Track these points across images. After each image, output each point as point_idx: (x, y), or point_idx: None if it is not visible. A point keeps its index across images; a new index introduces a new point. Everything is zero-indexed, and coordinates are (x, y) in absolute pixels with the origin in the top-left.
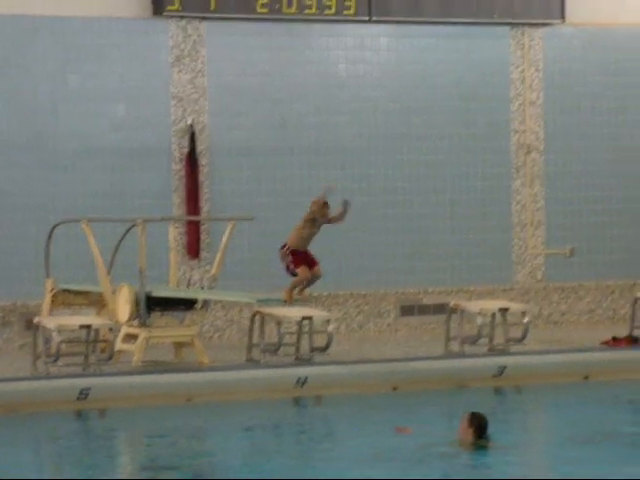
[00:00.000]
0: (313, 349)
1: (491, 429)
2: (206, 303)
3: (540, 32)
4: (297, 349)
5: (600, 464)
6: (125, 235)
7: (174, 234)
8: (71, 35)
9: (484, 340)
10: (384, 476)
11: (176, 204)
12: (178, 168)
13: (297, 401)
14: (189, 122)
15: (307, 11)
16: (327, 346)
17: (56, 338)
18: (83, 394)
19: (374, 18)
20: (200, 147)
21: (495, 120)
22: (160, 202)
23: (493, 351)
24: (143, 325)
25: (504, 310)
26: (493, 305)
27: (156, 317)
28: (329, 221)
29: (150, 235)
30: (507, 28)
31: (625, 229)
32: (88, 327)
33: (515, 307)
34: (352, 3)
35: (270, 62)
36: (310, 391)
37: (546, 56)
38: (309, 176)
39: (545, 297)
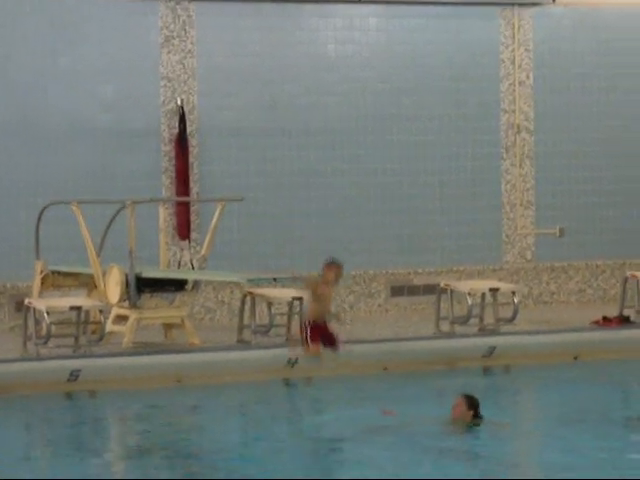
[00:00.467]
0: None
1: (482, 409)
2: (196, 284)
3: (530, 12)
4: (288, 330)
5: (588, 443)
6: (115, 217)
7: (164, 215)
8: (61, 16)
9: (474, 320)
10: (374, 454)
11: (166, 185)
12: (168, 149)
13: (288, 382)
14: (179, 103)
15: None
16: None
17: (46, 320)
18: (73, 375)
19: None
20: (190, 128)
21: (485, 100)
22: (149, 183)
23: (483, 331)
24: (133, 306)
25: (494, 290)
26: (483, 285)
27: (146, 298)
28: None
29: (140, 216)
30: (497, 8)
31: (615, 209)
32: (78, 309)
33: (505, 287)
34: None
35: (260, 43)
36: (301, 372)
37: (536, 36)
38: (299, 157)
39: (535, 277)
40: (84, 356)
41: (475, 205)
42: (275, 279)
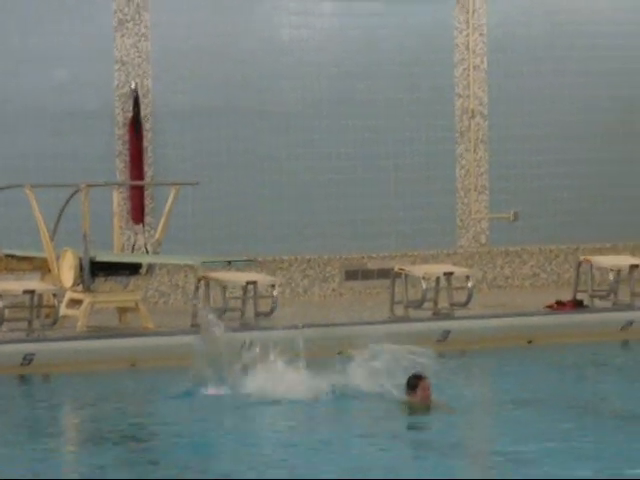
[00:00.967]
0: (258, 314)
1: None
2: (151, 268)
3: None
4: (242, 314)
5: (543, 427)
6: (69, 200)
7: (118, 199)
8: None
9: (428, 304)
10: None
11: (120, 169)
12: (121, 132)
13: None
14: (133, 86)
15: None
16: (272, 311)
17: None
18: (27, 359)
19: None
20: (144, 111)
21: (439, 85)
22: (103, 167)
23: (437, 315)
24: (87, 290)
25: (448, 274)
26: (437, 269)
27: (100, 282)
28: None
29: (94, 200)
30: None
31: (569, 193)
32: (32, 292)
33: (459, 271)
34: None
35: (214, 27)
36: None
37: (490, 20)
38: (253, 141)
39: (489, 261)
40: (38, 340)
41: (429, 189)
42: (229, 262)
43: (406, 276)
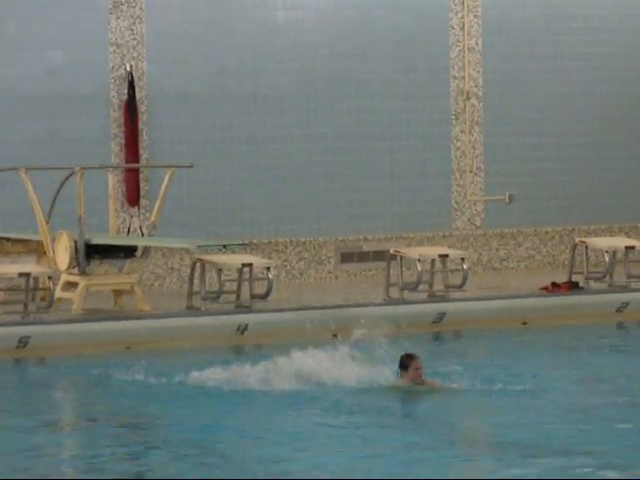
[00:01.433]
0: (253, 296)
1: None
2: (146, 251)
3: None
4: (238, 296)
5: (537, 408)
6: (64, 183)
7: (113, 182)
8: None
9: (424, 286)
10: (325, 422)
11: (115, 152)
12: (117, 115)
13: (237, 348)
14: (128, 69)
15: None
16: (267, 293)
17: None
18: (22, 342)
19: None
20: (139, 94)
21: (434, 66)
22: (98, 150)
23: (433, 297)
24: (83, 273)
25: (443, 256)
26: (432, 251)
27: (96, 265)
28: None
29: (89, 183)
30: None
31: (564, 175)
32: (27, 275)
33: (454, 253)
34: None
35: (208, 9)
36: (250, 339)
37: (485, 2)
38: (248, 122)
39: (484, 243)
40: (33, 323)
41: (425, 171)
42: (225, 245)
43: (401, 258)
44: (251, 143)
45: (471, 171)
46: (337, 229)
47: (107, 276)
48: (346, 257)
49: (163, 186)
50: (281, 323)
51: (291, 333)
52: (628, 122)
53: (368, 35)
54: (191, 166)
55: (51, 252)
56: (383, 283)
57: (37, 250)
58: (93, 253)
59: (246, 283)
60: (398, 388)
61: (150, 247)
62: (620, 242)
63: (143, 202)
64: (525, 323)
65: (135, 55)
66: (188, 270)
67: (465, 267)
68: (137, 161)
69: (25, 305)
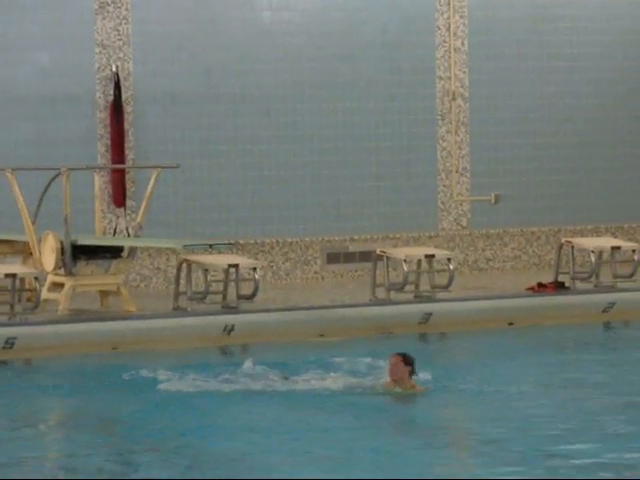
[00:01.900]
0: (240, 297)
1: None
2: (132, 251)
3: None
4: (224, 297)
5: (523, 408)
6: (50, 184)
7: (99, 182)
8: None
9: (410, 287)
10: (310, 421)
11: (101, 152)
12: (103, 116)
13: (224, 349)
14: (114, 69)
15: None
16: (254, 294)
17: None
18: (9, 343)
19: None
20: (125, 95)
21: (420, 67)
22: (85, 150)
23: (419, 298)
24: (69, 274)
25: (430, 257)
26: (419, 252)
27: (82, 266)
28: None
29: (75, 184)
30: None
31: (550, 175)
32: (13, 276)
33: (440, 254)
34: None
35: (194, 9)
36: (237, 339)
37: (471, 2)
38: (234, 123)
39: (470, 244)
40: (20, 324)
41: (411, 172)
42: (211, 245)
43: (388, 259)
44: (237, 143)
45: (457, 171)
46: (323, 229)
47: (93, 277)
48: (332, 257)
49: (149, 187)
50: (267, 323)
51: (277, 334)
52: (614, 122)
53: (354, 36)
54: (177, 167)
55: (37, 253)
56: (369, 283)
57: (23, 251)
58: (79, 254)
59: (232, 284)
60: (378, 389)
61: (136, 248)
62: (606, 242)
63: (129, 203)
64: (511, 323)
65: (121, 56)
66: (174, 271)
67: (451, 267)
68: (123, 162)
69: (11, 306)
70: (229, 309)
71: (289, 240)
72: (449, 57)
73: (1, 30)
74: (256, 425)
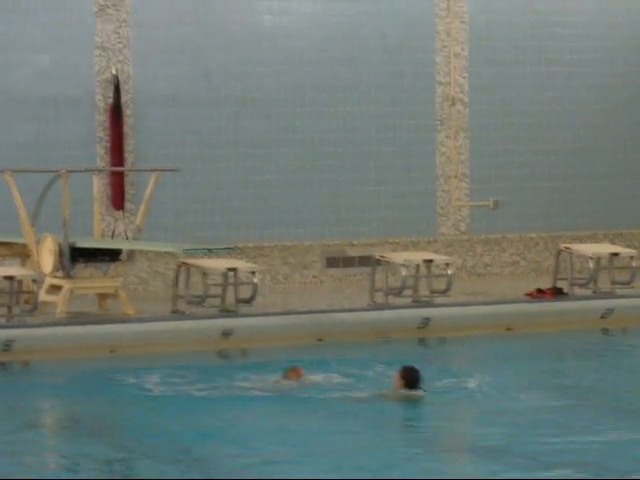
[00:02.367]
0: (238, 300)
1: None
2: (131, 254)
3: None
4: (222, 300)
5: (521, 414)
6: (49, 186)
7: (98, 185)
8: None
9: (408, 292)
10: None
11: (100, 155)
12: (102, 119)
13: (222, 353)
14: (114, 72)
15: None
16: (252, 297)
17: None
18: (7, 345)
19: None
20: (124, 98)
21: (420, 72)
22: (84, 153)
23: (417, 302)
24: (67, 276)
25: (428, 262)
26: (417, 257)
27: (80, 268)
28: None
29: (74, 186)
30: None
31: (549, 181)
32: (12, 278)
33: (439, 259)
34: None
35: (195, 12)
36: (235, 343)
37: (471, 8)
38: (234, 127)
39: (469, 249)
40: (17, 326)
41: (410, 177)
42: (210, 250)
43: (386, 263)
44: (237, 147)
45: (456, 177)
46: (323, 234)
47: (92, 279)
48: (331, 262)
49: (148, 190)
50: (266, 327)
51: (276, 338)
52: (614, 128)
53: (355, 41)
54: (177, 170)
55: (36, 255)
56: (368, 288)
57: (22, 253)
58: (78, 256)
59: (231, 287)
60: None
61: (135, 251)
62: (605, 249)
63: (128, 206)
64: (509, 329)
65: (121, 58)
66: (173, 274)
67: (450, 272)
68: (122, 165)
69: (9, 308)
70: (227, 313)
71: (288, 244)
72: (449, 62)
73: (2, 31)
74: (254, 429)
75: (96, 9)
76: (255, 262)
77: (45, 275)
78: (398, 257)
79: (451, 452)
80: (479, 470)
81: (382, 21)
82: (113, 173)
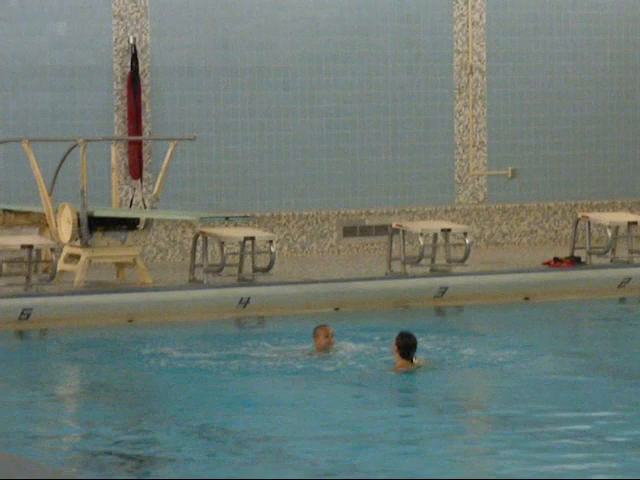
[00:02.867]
0: (256, 269)
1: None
2: (148, 223)
3: None
4: (240, 269)
5: (540, 381)
6: (67, 155)
7: (116, 154)
8: None
9: (426, 261)
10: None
11: (118, 124)
12: (120, 88)
13: (239, 321)
14: (131, 41)
15: None
16: (270, 266)
17: None
18: (25, 314)
19: None
20: (142, 67)
21: (438, 41)
22: (102, 122)
23: (435, 272)
24: (85, 245)
25: (446, 231)
26: (435, 226)
27: (98, 237)
28: None
29: (92, 155)
30: None
31: (567, 150)
32: (30, 247)
33: (457, 228)
34: None
35: None
36: (253, 311)
37: None
38: (251, 96)
39: (487, 218)
40: (35, 295)
41: (428, 146)
42: (227, 218)
43: (404, 232)
44: (254, 116)
45: (474, 145)
46: (340, 203)
47: (109, 248)
48: (348, 231)
49: (166, 159)
50: (283, 296)
51: (293, 307)
52: (633, 96)
53: (372, 9)
54: (194, 139)
55: (54, 224)
56: (385, 257)
57: (40, 222)
58: (95, 225)
59: (248, 256)
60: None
61: (152, 220)
62: (623, 217)
63: (146, 175)
64: (527, 298)
65: (138, 27)
66: (190, 243)
67: (467, 241)
68: (140, 134)
69: (27, 277)
70: (245, 282)
71: (305, 213)
72: (467, 31)
73: (19, 1)
74: (271, 397)
75: None
76: (272, 231)
77: (63, 244)
78: (416, 226)
79: (469, 419)
80: (497, 438)
81: None
82: (131, 142)
